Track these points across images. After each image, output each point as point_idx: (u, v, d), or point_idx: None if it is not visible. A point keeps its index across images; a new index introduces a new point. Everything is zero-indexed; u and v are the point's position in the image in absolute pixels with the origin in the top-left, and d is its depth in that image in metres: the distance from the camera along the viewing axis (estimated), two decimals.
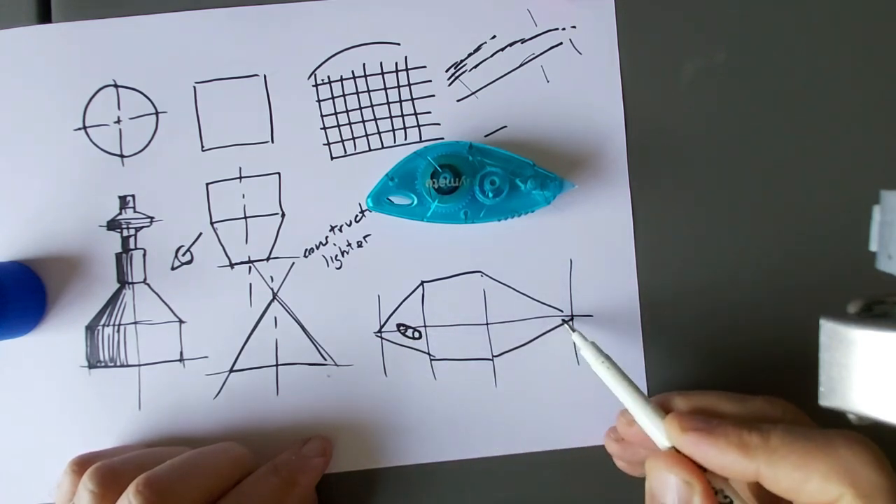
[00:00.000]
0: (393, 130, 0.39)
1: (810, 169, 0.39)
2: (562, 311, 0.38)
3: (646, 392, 0.38)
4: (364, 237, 0.38)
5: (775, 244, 0.39)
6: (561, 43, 0.39)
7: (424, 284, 0.38)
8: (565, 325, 0.38)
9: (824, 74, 0.39)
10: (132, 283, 0.38)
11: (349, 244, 0.38)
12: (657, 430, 0.31)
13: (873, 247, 0.26)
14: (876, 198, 0.26)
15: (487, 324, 0.38)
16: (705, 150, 0.39)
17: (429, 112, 0.39)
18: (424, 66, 0.39)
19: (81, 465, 0.33)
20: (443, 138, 0.39)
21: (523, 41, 0.39)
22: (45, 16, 0.39)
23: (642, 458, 0.34)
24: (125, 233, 0.38)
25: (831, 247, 0.38)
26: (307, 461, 0.36)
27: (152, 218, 0.38)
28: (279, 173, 0.39)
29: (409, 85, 0.39)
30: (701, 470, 0.29)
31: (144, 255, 0.38)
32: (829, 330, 0.26)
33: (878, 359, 0.24)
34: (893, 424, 0.24)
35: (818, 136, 0.39)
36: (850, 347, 0.25)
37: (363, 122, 0.39)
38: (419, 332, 0.38)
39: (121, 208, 0.38)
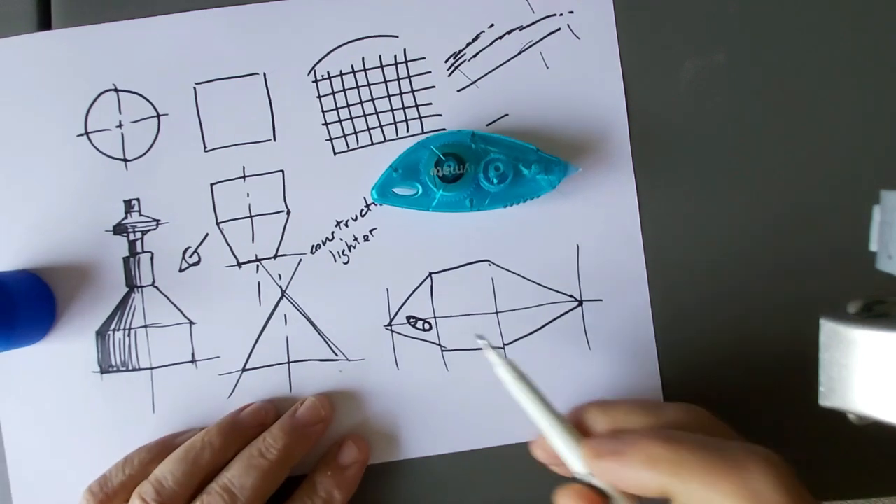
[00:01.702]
0: (395, 123, 0.39)
1: (810, 169, 0.39)
2: (571, 297, 0.38)
3: (657, 376, 0.38)
4: (370, 231, 0.38)
5: (775, 244, 0.39)
6: (559, 28, 0.39)
7: (432, 275, 0.38)
8: (481, 342, 0.34)
9: (826, 68, 0.39)
10: (141, 287, 0.38)
11: (356, 238, 0.38)
12: (573, 458, 0.31)
13: (873, 247, 0.26)
14: (876, 198, 0.26)
15: (497, 312, 0.38)
16: (708, 133, 0.39)
17: (430, 103, 0.39)
18: (423, 58, 0.39)
19: (94, 494, 0.34)
20: (444, 129, 0.39)
21: (521, 28, 0.39)
22: (45, 23, 0.39)
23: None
24: (132, 237, 0.38)
25: (831, 247, 0.38)
26: (343, 476, 0.36)
27: (158, 221, 0.38)
28: (283, 171, 0.39)
29: (409, 77, 0.39)
30: (601, 501, 0.29)
31: (152, 258, 0.38)
32: (829, 330, 0.26)
33: (878, 359, 0.24)
34: (893, 424, 0.24)
35: (818, 136, 0.39)
36: (850, 347, 0.25)
37: (364, 115, 0.39)
38: (429, 324, 0.38)
39: (126, 212, 0.38)
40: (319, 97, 0.39)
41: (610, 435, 0.30)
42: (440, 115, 0.39)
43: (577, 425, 0.32)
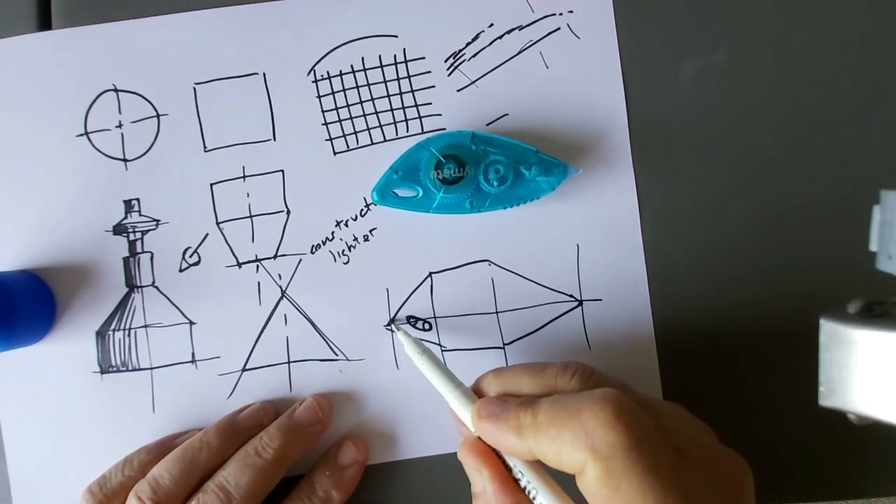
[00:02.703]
0: (394, 123, 0.39)
1: (810, 169, 0.39)
2: (571, 297, 0.38)
3: (656, 375, 0.38)
4: (370, 231, 0.38)
5: (775, 244, 0.39)
6: (559, 28, 0.39)
7: (432, 276, 0.38)
8: (392, 327, 0.38)
9: (826, 68, 0.39)
10: (141, 287, 0.38)
11: (355, 239, 0.38)
12: (467, 419, 0.32)
13: (873, 247, 0.26)
14: (876, 198, 0.26)
15: (497, 312, 0.38)
16: (708, 133, 0.39)
17: (429, 103, 0.39)
18: (423, 58, 0.39)
19: (94, 494, 0.34)
20: (444, 129, 0.39)
21: (521, 28, 0.39)
22: (45, 23, 0.39)
23: None
24: (132, 237, 0.38)
25: (831, 246, 0.38)
26: (341, 476, 0.36)
27: (158, 221, 0.38)
28: (282, 171, 0.39)
29: (409, 77, 0.39)
30: (493, 454, 0.30)
31: (152, 259, 0.38)
32: (829, 330, 0.26)
33: (878, 359, 0.24)
34: (893, 424, 0.24)
35: (818, 136, 0.39)
36: (850, 347, 0.25)
37: (364, 115, 0.39)
38: (429, 324, 0.38)
39: (126, 212, 0.38)
40: (319, 97, 0.39)
41: (496, 398, 0.31)
42: (440, 114, 0.39)
43: (477, 392, 0.33)
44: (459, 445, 0.31)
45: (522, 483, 0.29)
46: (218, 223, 0.38)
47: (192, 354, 0.38)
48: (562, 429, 0.26)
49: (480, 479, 0.30)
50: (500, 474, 0.30)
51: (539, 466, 0.30)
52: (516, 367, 0.33)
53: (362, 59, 0.39)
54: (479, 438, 0.31)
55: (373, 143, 0.39)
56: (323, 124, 0.39)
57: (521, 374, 0.32)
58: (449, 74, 0.39)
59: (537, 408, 0.28)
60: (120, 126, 0.39)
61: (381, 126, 0.39)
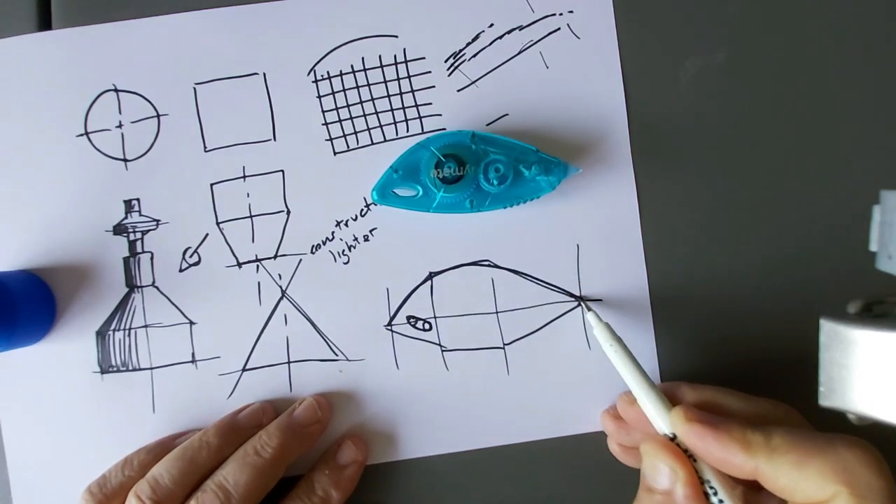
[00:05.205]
0: (394, 123, 0.39)
1: (810, 168, 0.39)
2: (571, 297, 0.38)
3: (657, 376, 0.38)
4: (370, 231, 0.38)
5: (775, 244, 0.39)
6: (559, 28, 0.39)
7: (433, 276, 0.38)
8: (581, 304, 0.38)
9: (826, 68, 0.39)
10: (141, 287, 0.38)
11: (356, 238, 0.38)
12: (659, 416, 0.31)
13: (873, 247, 0.26)
14: (876, 198, 0.26)
15: (497, 312, 0.38)
16: (708, 133, 0.39)
17: (429, 103, 0.39)
18: (423, 58, 0.39)
19: (93, 494, 0.34)
20: (444, 129, 0.39)
21: (521, 28, 0.39)
22: (45, 23, 0.39)
23: (634, 441, 0.35)
24: (132, 237, 0.38)
25: (831, 247, 0.38)
26: (341, 476, 0.36)
27: (158, 221, 0.38)
28: (283, 171, 0.39)
29: (409, 77, 0.39)
30: (688, 459, 0.30)
31: (152, 259, 0.38)
32: (829, 330, 0.26)
33: (878, 359, 0.24)
34: (893, 424, 0.24)
35: (818, 136, 0.39)
36: (850, 347, 0.25)
37: (364, 115, 0.39)
38: (429, 324, 0.38)
39: (126, 212, 0.38)
40: (319, 97, 0.39)
41: (702, 407, 0.31)
42: (440, 114, 0.39)
43: (667, 395, 0.33)
44: (650, 438, 0.31)
45: (713, 500, 0.29)
46: (218, 223, 0.38)
47: (192, 354, 0.38)
48: (808, 457, 0.27)
49: (670, 479, 0.30)
50: (695, 482, 0.29)
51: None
52: (716, 387, 0.33)
53: (362, 59, 0.39)
54: (673, 440, 0.31)
55: (373, 143, 0.39)
56: (323, 124, 0.39)
57: (726, 394, 0.32)
58: (449, 74, 0.39)
59: (771, 431, 0.28)
60: (120, 126, 0.39)
61: (381, 126, 0.39)
